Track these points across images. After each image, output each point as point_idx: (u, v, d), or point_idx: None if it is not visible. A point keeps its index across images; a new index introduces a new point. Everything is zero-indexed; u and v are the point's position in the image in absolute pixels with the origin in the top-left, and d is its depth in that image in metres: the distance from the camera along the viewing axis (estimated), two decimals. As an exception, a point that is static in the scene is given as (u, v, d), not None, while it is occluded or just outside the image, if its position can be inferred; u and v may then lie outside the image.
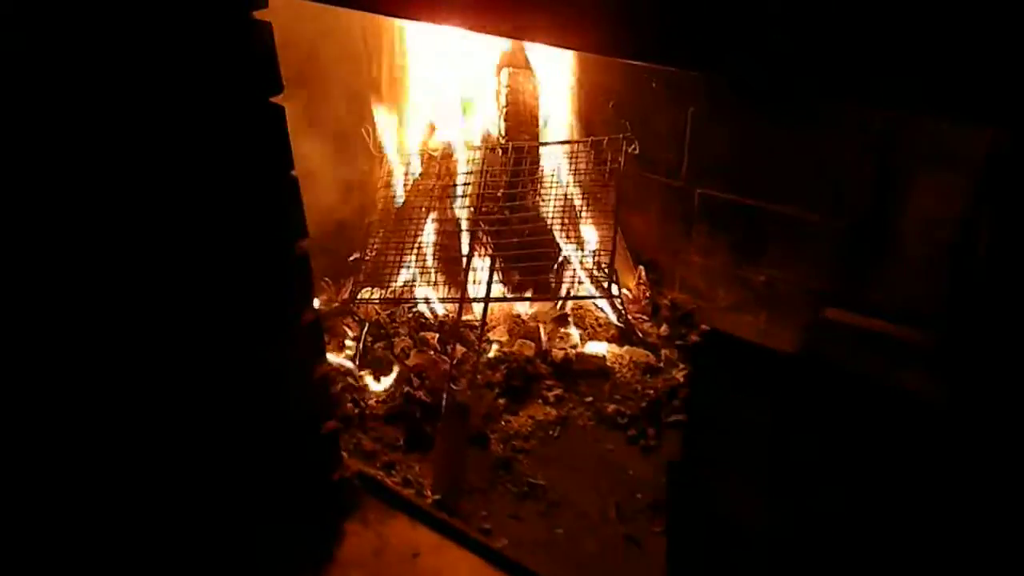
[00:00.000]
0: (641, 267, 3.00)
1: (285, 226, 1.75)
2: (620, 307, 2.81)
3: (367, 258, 2.86)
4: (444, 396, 2.47)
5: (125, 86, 1.40)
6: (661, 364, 2.77)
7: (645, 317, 2.97)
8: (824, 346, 2.63)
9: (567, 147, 2.81)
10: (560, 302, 2.89)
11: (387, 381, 2.68)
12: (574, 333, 2.85)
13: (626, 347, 2.83)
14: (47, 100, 1.32)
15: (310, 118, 2.66)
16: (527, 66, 2.89)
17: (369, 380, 2.68)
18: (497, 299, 2.69)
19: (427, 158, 2.93)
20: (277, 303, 1.80)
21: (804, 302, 2.69)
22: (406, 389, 2.60)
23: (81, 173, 1.39)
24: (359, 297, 2.81)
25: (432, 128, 2.96)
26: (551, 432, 2.53)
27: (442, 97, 2.94)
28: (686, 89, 2.67)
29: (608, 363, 2.76)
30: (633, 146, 2.73)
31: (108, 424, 1.55)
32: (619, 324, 2.88)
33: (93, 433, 1.53)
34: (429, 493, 2.29)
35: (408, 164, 2.94)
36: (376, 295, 2.82)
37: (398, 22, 2.78)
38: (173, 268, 1.57)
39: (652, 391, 2.65)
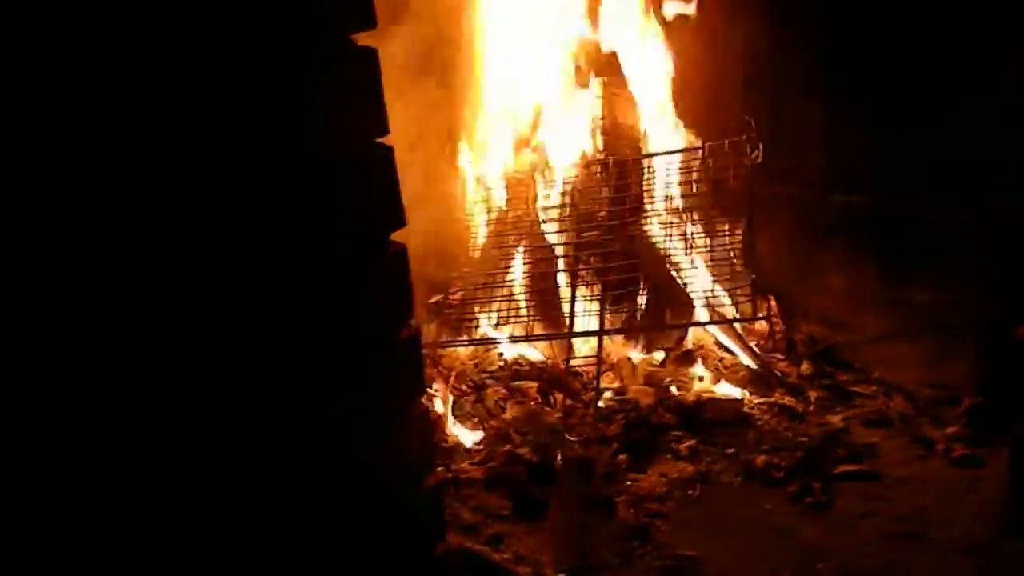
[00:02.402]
0: (771, 297, 2.55)
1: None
2: (770, 327, 2.34)
3: (450, 301, 2.46)
4: (557, 453, 2.01)
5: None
6: (811, 408, 2.29)
7: (779, 355, 2.51)
8: (1020, 375, 2.13)
9: (679, 157, 2.41)
10: (680, 339, 2.44)
11: (478, 438, 2.23)
12: (701, 375, 2.38)
13: (763, 390, 2.37)
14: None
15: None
16: (620, 73, 2.54)
17: (461, 438, 2.24)
18: (612, 331, 2.25)
19: (513, 183, 2.55)
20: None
21: (981, 323, 2.20)
22: (507, 447, 2.15)
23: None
24: (441, 341, 2.39)
25: (518, 148, 2.60)
26: (690, 492, 2.05)
27: (527, 114, 2.58)
28: (817, 80, 2.29)
29: (745, 409, 2.28)
30: (757, 151, 2.32)
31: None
32: (751, 363, 2.42)
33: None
34: (550, 572, 1.81)
35: (492, 190, 2.56)
36: (465, 338, 2.40)
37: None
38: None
39: (806, 439, 2.16)
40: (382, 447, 1.48)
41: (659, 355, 2.47)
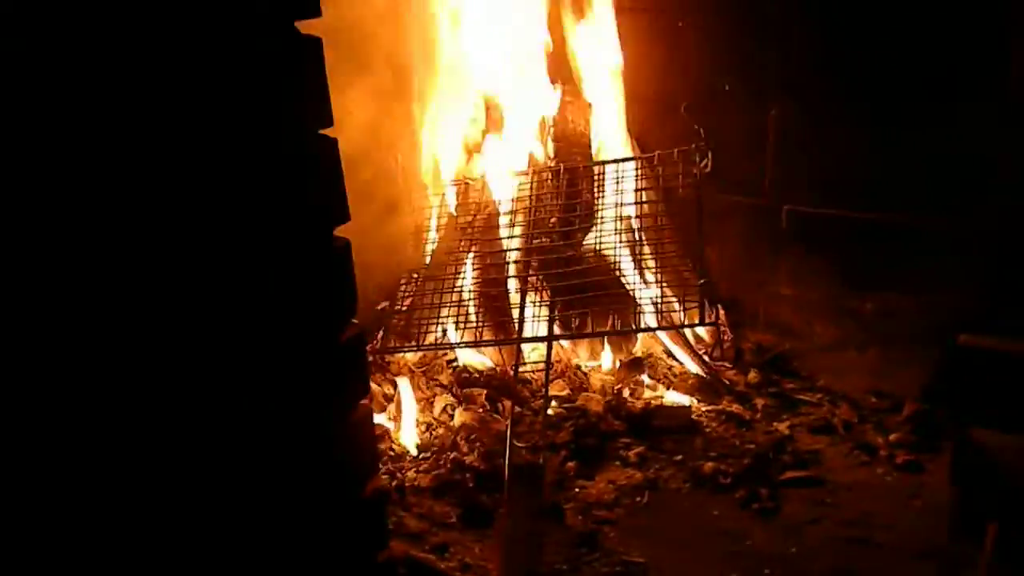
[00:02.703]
0: (719, 306, 2.55)
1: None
2: (707, 346, 2.34)
3: (398, 307, 2.42)
4: (506, 460, 1.98)
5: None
6: (758, 416, 2.30)
7: (727, 364, 2.51)
8: (961, 381, 2.16)
9: (629, 165, 2.41)
10: (629, 347, 2.43)
11: (425, 445, 2.19)
12: (649, 383, 2.38)
13: (711, 397, 2.37)
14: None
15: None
16: (574, 80, 2.53)
17: (408, 445, 2.19)
18: (560, 336, 2.23)
19: (464, 188, 2.53)
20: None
21: (927, 333, 2.22)
22: (453, 455, 2.11)
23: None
24: (389, 347, 2.34)
25: (469, 153, 2.57)
26: (639, 498, 2.03)
27: (479, 119, 2.56)
28: (766, 87, 2.31)
29: (694, 416, 2.28)
30: (707, 160, 2.32)
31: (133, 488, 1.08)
32: (699, 371, 2.42)
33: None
34: (497, 580, 1.78)
35: (443, 195, 2.53)
36: (413, 343, 2.35)
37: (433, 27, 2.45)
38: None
39: (753, 446, 2.17)
40: (320, 451, 1.43)
41: (608, 363, 2.45)
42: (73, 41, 0.98)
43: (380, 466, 2.11)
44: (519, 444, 2.02)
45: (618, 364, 2.42)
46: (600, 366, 2.46)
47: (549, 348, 2.15)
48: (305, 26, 1.26)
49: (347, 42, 2.30)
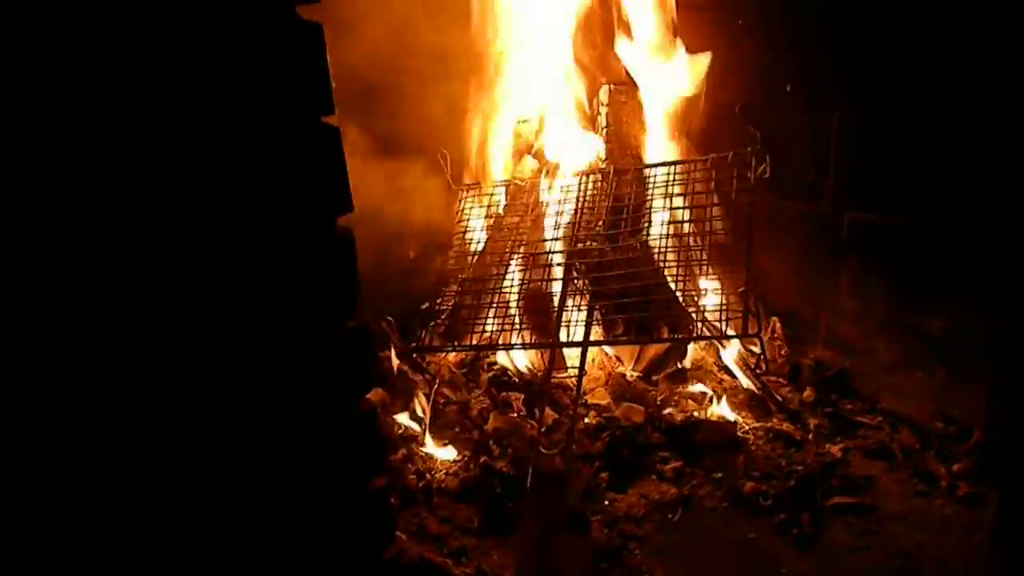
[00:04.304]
0: (775, 318, 2.43)
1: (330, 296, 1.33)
2: (752, 363, 2.23)
3: (441, 306, 2.39)
4: (531, 467, 1.92)
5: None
6: (809, 436, 2.16)
7: (782, 380, 2.39)
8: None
9: (681, 168, 2.32)
10: (676, 358, 2.33)
11: (457, 447, 2.15)
12: (695, 395, 2.27)
13: (761, 414, 2.25)
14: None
15: (378, 139, 2.28)
16: (629, 81, 2.46)
17: (438, 447, 2.16)
18: (596, 342, 2.16)
19: (513, 188, 2.49)
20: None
21: (1000, 354, 2.05)
22: (483, 459, 2.06)
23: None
24: (431, 346, 2.31)
25: (520, 154, 2.53)
26: (670, 515, 1.94)
27: (532, 118, 2.52)
28: (830, 90, 2.18)
29: (739, 433, 2.16)
30: (764, 165, 2.20)
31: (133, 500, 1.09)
32: (752, 386, 2.30)
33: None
34: (510, 589, 1.72)
35: (492, 195, 2.49)
36: (452, 344, 2.32)
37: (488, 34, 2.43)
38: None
39: (801, 468, 2.03)
40: (321, 445, 1.41)
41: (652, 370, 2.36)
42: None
43: (404, 464, 2.09)
44: (549, 452, 1.95)
45: (664, 374, 2.32)
46: (644, 375, 2.36)
47: (583, 353, 2.08)
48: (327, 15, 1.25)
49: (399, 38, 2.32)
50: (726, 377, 2.39)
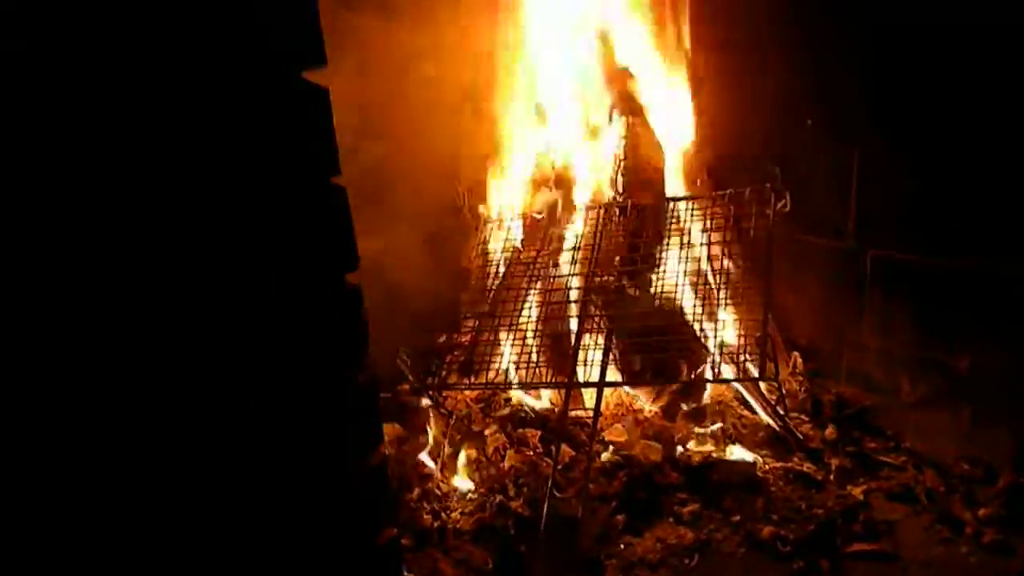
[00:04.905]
0: (796, 354, 2.40)
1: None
2: (773, 401, 2.19)
3: (459, 340, 2.39)
4: (544, 509, 1.91)
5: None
6: (831, 477, 2.12)
7: (804, 417, 2.35)
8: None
9: (700, 203, 2.30)
10: (695, 395, 2.30)
11: (473, 485, 2.14)
12: (713, 433, 2.25)
13: (781, 453, 2.21)
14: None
15: (393, 173, 2.29)
16: (647, 112, 2.45)
17: (454, 486, 2.15)
18: (612, 383, 2.15)
19: (530, 222, 2.48)
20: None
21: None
22: (499, 499, 2.05)
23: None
24: (448, 383, 2.31)
25: (536, 187, 2.52)
26: (687, 560, 1.91)
27: (548, 151, 2.51)
28: (852, 124, 2.15)
29: (758, 473, 2.13)
30: (784, 201, 2.18)
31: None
32: (772, 424, 2.26)
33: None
34: (521, 637, 1.71)
35: (509, 229, 2.49)
36: (468, 380, 2.32)
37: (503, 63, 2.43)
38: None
39: (821, 511, 2.00)
40: (330, 503, 1.41)
41: (672, 408, 2.34)
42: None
43: (420, 503, 2.09)
44: (562, 495, 1.94)
45: (681, 411, 2.30)
46: (663, 412, 2.34)
47: (599, 394, 2.07)
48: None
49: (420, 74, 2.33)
50: (746, 413, 2.35)
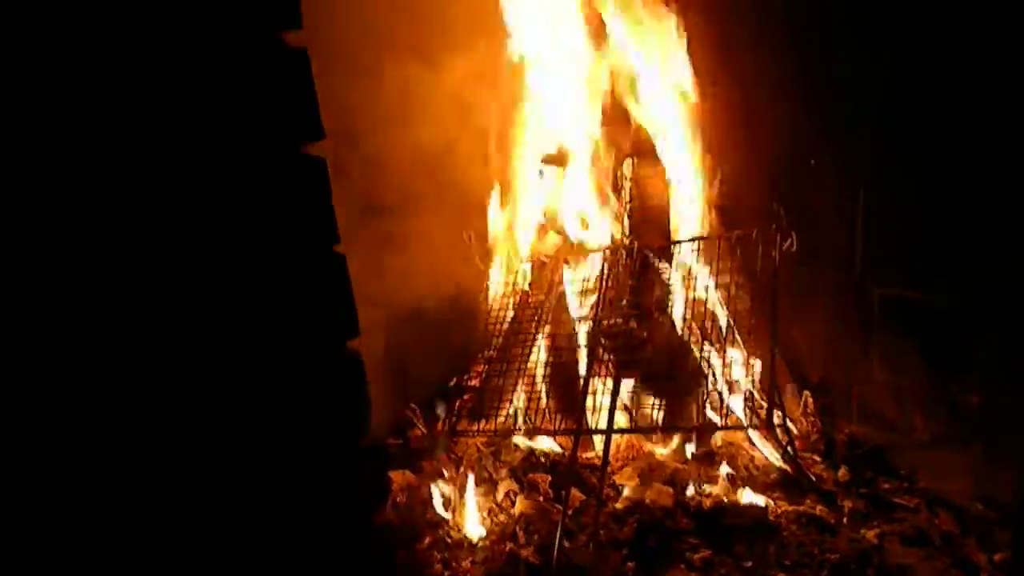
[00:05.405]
0: (807, 392, 2.39)
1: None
2: (784, 443, 2.18)
3: (469, 383, 2.40)
4: (555, 556, 1.91)
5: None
6: (844, 520, 2.10)
7: (816, 457, 2.33)
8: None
9: (706, 245, 2.30)
10: (704, 437, 2.30)
11: (484, 533, 2.14)
12: (724, 476, 2.23)
13: (794, 496, 2.20)
14: None
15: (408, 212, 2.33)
16: (653, 153, 2.46)
17: (464, 534, 2.15)
18: (621, 430, 2.15)
19: (538, 265, 2.49)
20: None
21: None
22: (509, 547, 2.05)
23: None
24: (457, 429, 2.32)
25: (544, 230, 2.54)
26: (698, 609, 1.90)
27: (556, 194, 2.53)
28: (856, 162, 2.15)
29: (770, 517, 2.12)
30: (789, 241, 2.18)
31: None
32: (783, 466, 2.25)
33: None
34: None
35: (517, 273, 2.50)
36: (477, 427, 2.33)
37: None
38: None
39: (835, 556, 1.98)
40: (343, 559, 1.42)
41: (683, 452, 2.33)
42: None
43: (430, 553, 2.10)
44: (573, 543, 1.94)
45: (691, 454, 2.29)
46: (674, 454, 2.33)
47: (607, 441, 2.07)
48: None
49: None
50: (757, 454, 2.34)
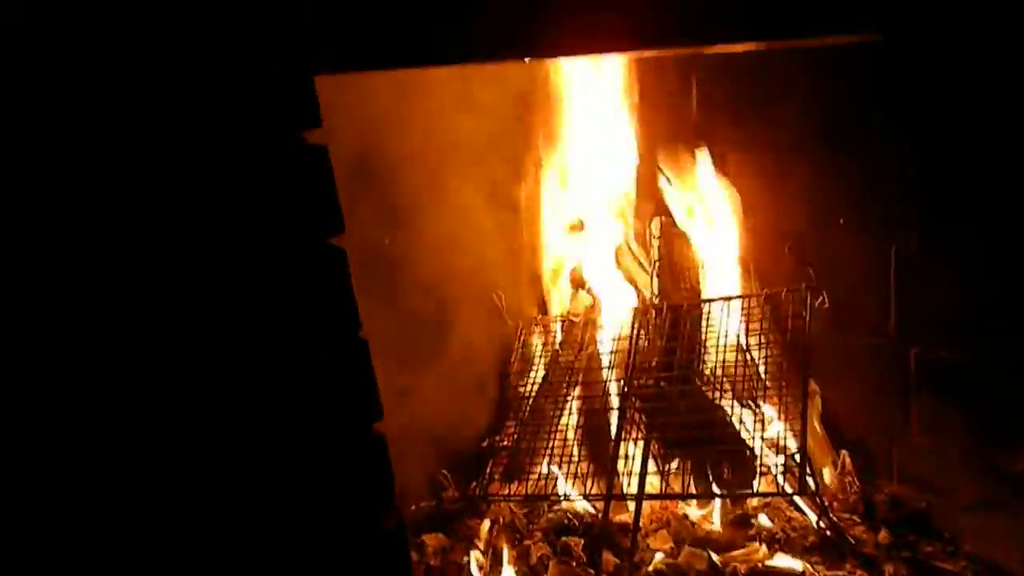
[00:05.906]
0: (844, 452, 2.34)
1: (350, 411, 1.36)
2: (820, 505, 2.14)
3: (501, 444, 2.41)
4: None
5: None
6: (884, 585, 2.05)
7: (855, 518, 2.28)
8: None
9: (736, 304, 2.29)
10: (741, 498, 2.27)
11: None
12: (760, 539, 2.20)
13: (833, 560, 2.15)
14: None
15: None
16: (683, 213, 2.47)
17: (499, 599, 2.15)
18: (651, 496, 2.13)
19: (568, 325, 2.50)
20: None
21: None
22: (541, 614, 2.04)
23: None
24: (489, 493, 2.33)
25: (574, 289, 2.55)
26: None
27: (584, 252, 2.55)
28: (887, 220, 2.13)
29: (809, 583, 2.07)
30: (820, 298, 2.16)
31: None
32: (821, 527, 2.21)
33: None
34: None
35: (548, 333, 2.52)
36: (509, 490, 2.33)
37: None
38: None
39: (875, 625, 1.93)
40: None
41: (717, 515, 2.30)
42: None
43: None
44: (604, 613, 1.92)
45: (727, 516, 2.26)
46: (708, 516, 2.30)
47: (638, 507, 2.05)
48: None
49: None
50: (795, 515, 2.30)
